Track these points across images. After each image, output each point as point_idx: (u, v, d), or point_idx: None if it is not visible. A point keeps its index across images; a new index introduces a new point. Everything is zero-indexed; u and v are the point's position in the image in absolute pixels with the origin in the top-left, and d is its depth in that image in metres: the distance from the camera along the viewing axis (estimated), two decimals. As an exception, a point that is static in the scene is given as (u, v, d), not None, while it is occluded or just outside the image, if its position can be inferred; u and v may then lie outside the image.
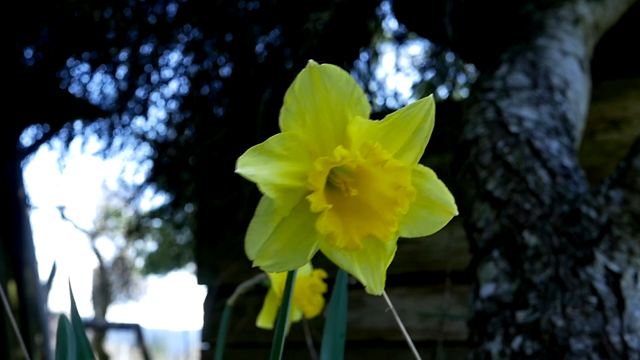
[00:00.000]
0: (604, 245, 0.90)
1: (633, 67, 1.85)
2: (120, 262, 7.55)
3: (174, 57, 2.16)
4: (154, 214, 2.73)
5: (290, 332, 0.76)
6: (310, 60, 0.38)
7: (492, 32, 1.71)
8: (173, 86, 2.25)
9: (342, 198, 0.39)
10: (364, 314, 1.90)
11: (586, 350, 0.82)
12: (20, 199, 2.52)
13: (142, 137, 2.44)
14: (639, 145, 0.91)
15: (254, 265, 0.38)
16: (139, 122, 2.38)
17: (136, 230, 2.72)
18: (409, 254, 1.85)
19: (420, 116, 0.39)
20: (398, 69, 2.43)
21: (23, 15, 1.92)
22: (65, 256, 11.42)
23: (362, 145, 0.37)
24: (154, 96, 2.25)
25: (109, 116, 2.29)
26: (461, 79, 2.51)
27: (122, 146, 2.40)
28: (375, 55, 2.41)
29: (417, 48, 4.61)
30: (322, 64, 0.38)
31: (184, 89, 2.25)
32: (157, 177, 2.43)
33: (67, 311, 0.54)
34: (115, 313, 11.29)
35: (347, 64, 2.25)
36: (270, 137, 0.37)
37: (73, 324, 0.52)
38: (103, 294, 7.08)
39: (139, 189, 2.48)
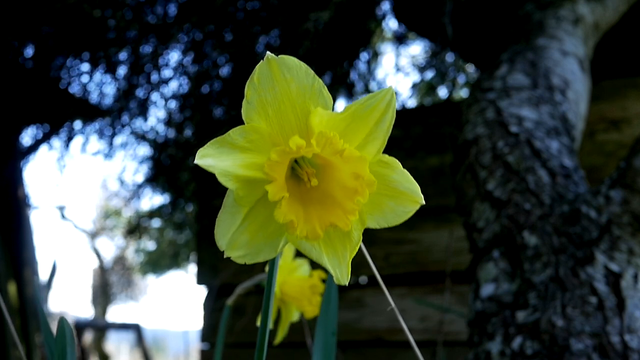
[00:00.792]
0: (604, 245, 0.89)
1: (633, 67, 1.84)
2: (121, 262, 7.55)
3: (174, 56, 2.16)
4: (153, 213, 2.73)
5: (289, 333, 0.76)
6: (268, 52, 0.38)
7: (492, 32, 1.71)
8: (173, 86, 2.25)
9: (307, 189, 0.40)
10: (364, 314, 1.90)
11: (586, 350, 0.82)
12: (20, 198, 2.52)
13: (142, 136, 2.44)
14: (639, 145, 0.91)
15: (225, 256, 0.39)
16: (138, 123, 2.38)
17: (136, 230, 2.72)
18: (409, 254, 1.84)
19: (381, 107, 0.39)
20: (398, 69, 2.43)
21: (23, 15, 1.91)
22: (65, 256, 11.43)
23: (318, 134, 0.37)
24: (154, 96, 2.25)
25: (108, 116, 2.29)
26: (461, 79, 2.52)
27: (122, 146, 2.40)
28: (375, 55, 2.41)
29: (417, 48, 4.62)
30: (280, 55, 0.38)
31: (184, 89, 2.25)
32: (157, 177, 2.43)
33: (66, 312, 0.54)
34: (115, 313, 11.30)
35: (347, 64, 2.25)
36: (232, 129, 0.37)
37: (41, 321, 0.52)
38: (103, 294, 7.08)
39: (139, 188, 2.48)
